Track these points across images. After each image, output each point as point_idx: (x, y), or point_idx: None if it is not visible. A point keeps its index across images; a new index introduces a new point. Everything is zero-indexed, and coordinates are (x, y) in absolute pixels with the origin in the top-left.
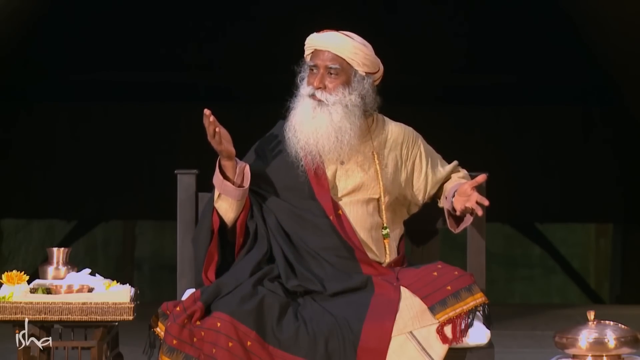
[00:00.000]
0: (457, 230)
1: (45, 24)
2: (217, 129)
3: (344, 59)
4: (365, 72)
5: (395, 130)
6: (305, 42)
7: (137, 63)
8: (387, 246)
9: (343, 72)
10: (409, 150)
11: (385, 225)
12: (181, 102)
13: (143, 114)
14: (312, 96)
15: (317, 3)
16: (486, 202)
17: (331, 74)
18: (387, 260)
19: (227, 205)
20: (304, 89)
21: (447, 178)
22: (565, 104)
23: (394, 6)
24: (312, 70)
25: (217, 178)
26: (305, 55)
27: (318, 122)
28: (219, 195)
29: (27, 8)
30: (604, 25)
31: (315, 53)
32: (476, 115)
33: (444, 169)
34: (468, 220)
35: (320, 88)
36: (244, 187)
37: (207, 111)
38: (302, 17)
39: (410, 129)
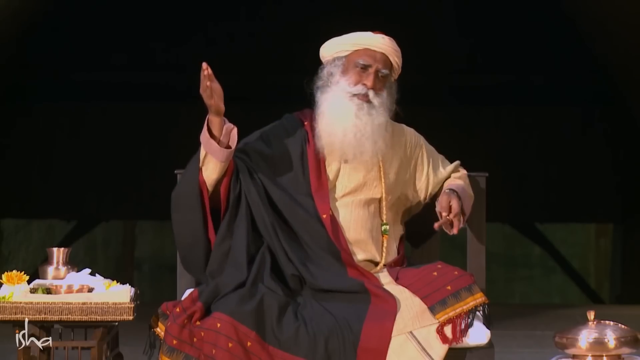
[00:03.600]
0: (451, 232)
1: (45, 24)
2: (208, 83)
3: (392, 64)
4: (394, 78)
5: (398, 130)
6: (351, 38)
7: (137, 63)
8: (385, 244)
9: (388, 76)
10: (412, 150)
11: (385, 222)
12: (180, 102)
13: (142, 114)
14: (363, 95)
15: (318, 4)
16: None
17: (380, 76)
18: (384, 259)
19: (212, 166)
20: (350, 87)
21: (448, 178)
22: (565, 104)
23: (395, 6)
24: (363, 68)
25: (204, 135)
26: (343, 50)
27: (363, 123)
28: (205, 154)
29: (28, 8)
30: (604, 25)
31: (367, 52)
32: (476, 115)
33: (445, 169)
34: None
35: (373, 89)
36: (230, 148)
37: (204, 64)
38: (305, 18)
39: (413, 130)
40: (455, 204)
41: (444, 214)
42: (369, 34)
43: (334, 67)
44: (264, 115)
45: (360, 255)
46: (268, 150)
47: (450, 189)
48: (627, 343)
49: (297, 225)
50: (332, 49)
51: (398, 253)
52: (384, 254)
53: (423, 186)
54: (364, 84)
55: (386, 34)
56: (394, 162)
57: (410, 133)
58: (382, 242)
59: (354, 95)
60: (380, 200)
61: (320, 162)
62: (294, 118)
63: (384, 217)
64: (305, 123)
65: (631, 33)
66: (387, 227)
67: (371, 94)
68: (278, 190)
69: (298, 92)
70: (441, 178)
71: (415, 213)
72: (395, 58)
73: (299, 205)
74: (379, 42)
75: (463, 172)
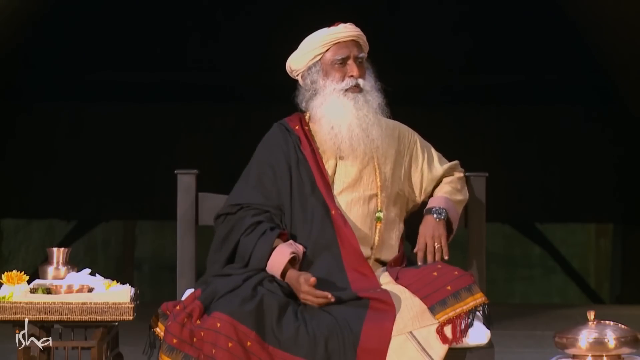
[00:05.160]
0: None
1: (45, 24)
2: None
3: (362, 45)
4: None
5: (391, 125)
6: (317, 40)
7: (137, 63)
8: (377, 231)
9: (364, 57)
10: (405, 144)
11: (380, 209)
12: (181, 102)
13: (143, 114)
14: (355, 87)
15: (318, 3)
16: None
17: (360, 62)
18: (376, 246)
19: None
20: (338, 84)
21: (443, 177)
22: (566, 104)
23: (395, 6)
24: (342, 63)
25: (275, 272)
26: (314, 55)
27: (364, 113)
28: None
29: (27, 8)
30: (604, 25)
31: (339, 46)
32: (476, 115)
33: (441, 166)
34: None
35: (360, 77)
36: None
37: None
38: (303, 16)
39: (406, 126)
40: (430, 241)
41: (419, 254)
42: (331, 29)
43: (313, 74)
44: (263, 115)
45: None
46: (272, 174)
47: (429, 212)
48: (627, 343)
49: (304, 228)
50: (303, 58)
51: (398, 251)
52: (376, 241)
53: (418, 181)
54: (351, 76)
55: (343, 22)
56: (388, 156)
57: (403, 128)
58: (375, 229)
59: (346, 90)
60: (377, 195)
61: (319, 162)
62: (282, 126)
63: (380, 208)
64: (296, 128)
65: (631, 33)
66: (381, 214)
67: (361, 82)
68: (289, 205)
69: (294, 93)
70: (436, 175)
71: (413, 210)
72: (363, 39)
73: (306, 207)
74: (345, 32)
75: (457, 175)
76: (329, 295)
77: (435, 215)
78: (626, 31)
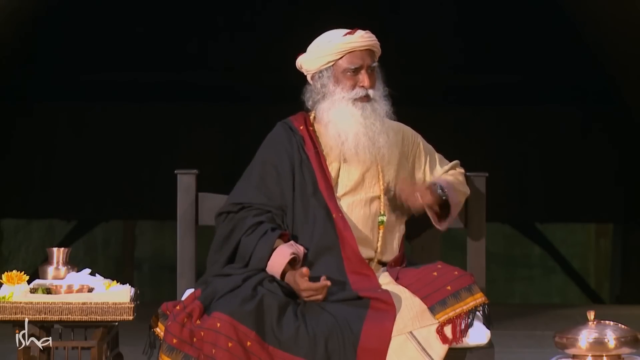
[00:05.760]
0: (441, 228)
1: (46, 24)
2: (320, 297)
3: (375, 52)
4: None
5: (394, 127)
6: (333, 46)
7: (137, 63)
8: (380, 235)
9: (376, 64)
10: (408, 147)
11: (382, 213)
12: (181, 102)
13: (143, 114)
14: (364, 97)
15: (318, 3)
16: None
17: (372, 71)
18: (380, 251)
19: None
20: (348, 93)
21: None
22: (565, 104)
23: (395, 6)
24: (354, 71)
25: (275, 273)
26: (328, 61)
27: (371, 122)
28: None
29: (28, 8)
30: (604, 25)
31: (354, 54)
32: (476, 115)
33: (442, 167)
34: (451, 218)
35: (371, 87)
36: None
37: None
38: (304, 17)
39: (410, 128)
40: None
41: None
42: (347, 37)
43: (324, 78)
44: (263, 115)
45: (362, 254)
46: (276, 174)
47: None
48: (627, 343)
49: (306, 229)
50: (316, 61)
51: (398, 252)
52: (379, 245)
53: (420, 183)
54: (362, 86)
55: (360, 29)
56: (392, 159)
57: (407, 130)
58: (378, 233)
59: (356, 99)
60: (380, 197)
61: (322, 164)
62: (287, 125)
63: (383, 211)
64: (301, 128)
65: (631, 33)
66: (384, 218)
67: (371, 92)
68: (291, 205)
69: (294, 92)
70: (437, 177)
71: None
72: (377, 46)
73: (308, 209)
74: (361, 41)
75: (458, 170)
76: (326, 280)
77: (439, 191)
78: (626, 31)
